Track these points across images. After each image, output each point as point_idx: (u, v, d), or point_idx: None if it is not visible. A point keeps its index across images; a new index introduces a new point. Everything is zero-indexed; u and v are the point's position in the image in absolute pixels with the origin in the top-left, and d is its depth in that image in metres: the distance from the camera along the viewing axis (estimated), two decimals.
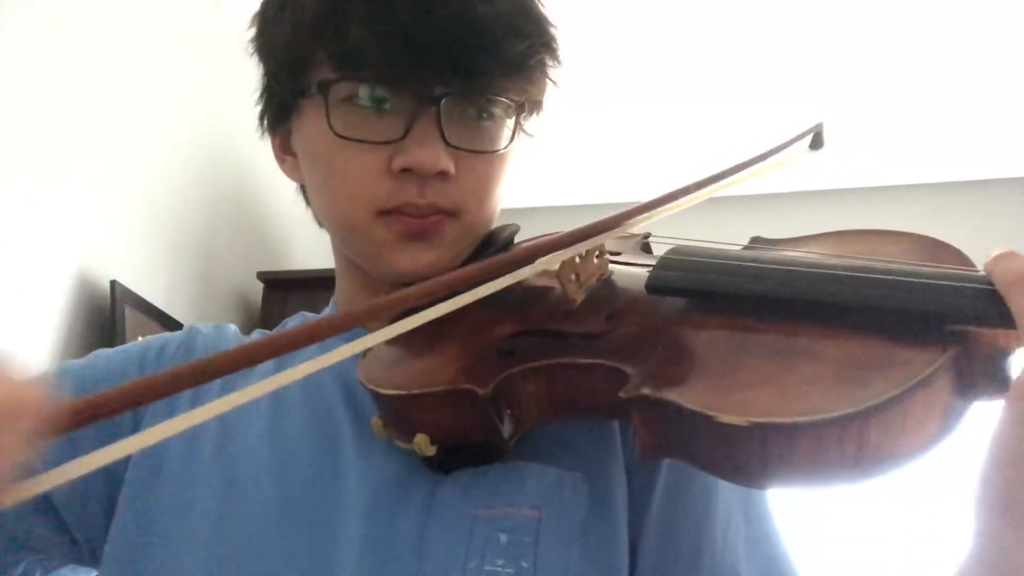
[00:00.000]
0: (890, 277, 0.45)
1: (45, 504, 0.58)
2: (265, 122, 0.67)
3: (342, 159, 0.59)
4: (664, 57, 2.43)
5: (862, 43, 2.34)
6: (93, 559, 0.60)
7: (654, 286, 0.52)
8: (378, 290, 0.63)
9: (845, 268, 0.48)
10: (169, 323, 1.92)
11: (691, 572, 0.55)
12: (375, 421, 0.55)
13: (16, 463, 0.30)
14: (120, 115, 1.81)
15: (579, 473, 0.55)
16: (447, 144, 0.58)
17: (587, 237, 0.51)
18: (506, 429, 0.51)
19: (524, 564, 0.51)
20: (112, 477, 0.59)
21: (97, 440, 0.34)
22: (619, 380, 0.46)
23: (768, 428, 0.40)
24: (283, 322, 0.73)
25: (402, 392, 0.52)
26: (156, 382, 0.35)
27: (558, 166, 2.87)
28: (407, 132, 0.57)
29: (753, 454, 0.41)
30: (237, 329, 0.71)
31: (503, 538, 0.52)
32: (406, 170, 0.58)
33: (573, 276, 0.55)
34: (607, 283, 0.58)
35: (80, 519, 0.59)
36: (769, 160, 0.59)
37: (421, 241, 0.60)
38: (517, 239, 0.66)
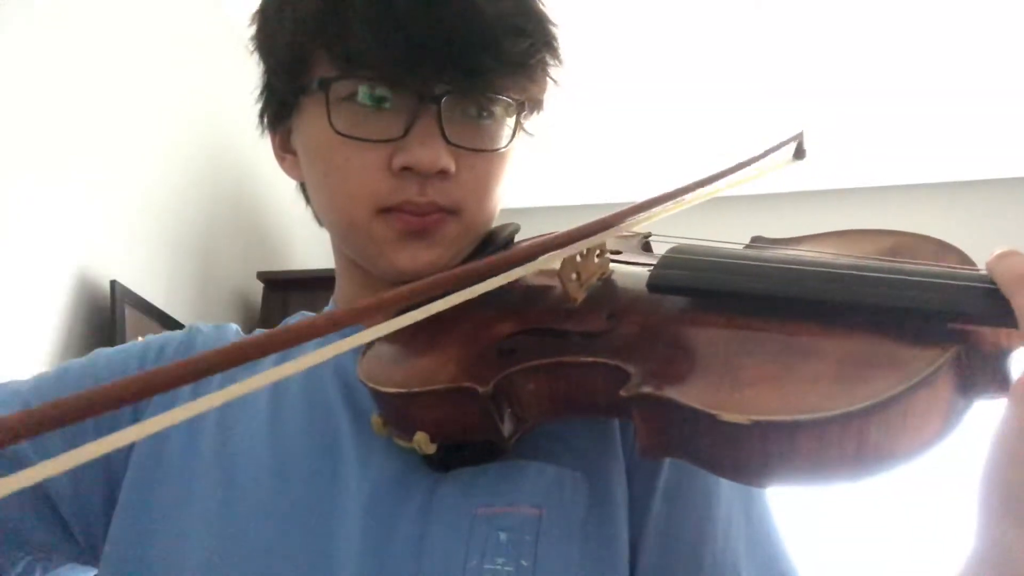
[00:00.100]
0: (891, 276, 0.45)
1: (45, 502, 0.58)
2: (265, 120, 0.67)
3: (342, 157, 0.59)
4: (665, 57, 2.43)
5: (863, 43, 2.35)
6: (93, 558, 0.60)
7: (656, 285, 0.52)
8: (378, 289, 0.63)
9: (846, 267, 0.48)
10: (169, 323, 1.92)
11: (692, 571, 0.55)
12: (375, 419, 0.55)
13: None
14: (120, 115, 1.81)
15: (579, 472, 0.55)
16: (447, 142, 0.58)
17: (588, 236, 0.51)
18: (506, 428, 0.51)
19: (524, 563, 0.51)
20: (112, 476, 0.59)
21: (96, 433, 0.34)
22: (620, 379, 0.46)
23: (769, 426, 0.40)
24: (283, 322, 0.73)
25: (402, 390, 0.51)
26: (155, 380, 0.35)
27: (558, 166, 2.87)
28: (408, 130, 0.57)
29: (754, 452, 0.41)
30: (238, 328, 0.71)
31: (503, 536, 0.51)
32: (406, 168, 0.58)
33: (574, 275, 0.55)
34: (608, 282, 0.58)
35: (80, 517, 0.59)
36: (751, 168, 0.59)
37: (421, 239, 0.60)
38: (517, 239, 0.66)
